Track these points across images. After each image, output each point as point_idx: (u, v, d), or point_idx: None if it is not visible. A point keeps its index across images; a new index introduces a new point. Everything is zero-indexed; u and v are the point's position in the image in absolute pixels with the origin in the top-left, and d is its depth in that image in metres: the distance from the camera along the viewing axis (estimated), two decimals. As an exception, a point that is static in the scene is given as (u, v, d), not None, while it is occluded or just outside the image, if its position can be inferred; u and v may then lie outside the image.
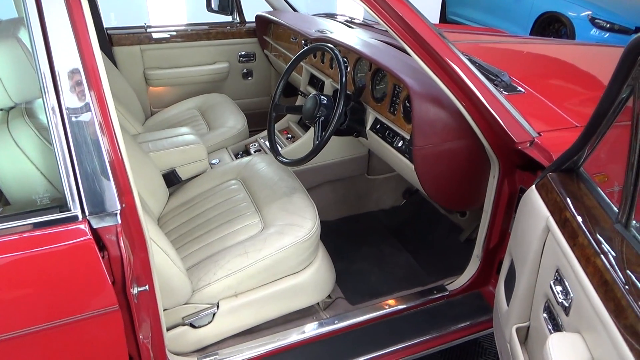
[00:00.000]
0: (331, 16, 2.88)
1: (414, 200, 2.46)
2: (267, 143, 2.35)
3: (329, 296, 1.78)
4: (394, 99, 1.70)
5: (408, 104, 1.62)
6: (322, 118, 1.72)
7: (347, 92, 1.82)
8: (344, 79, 1.62)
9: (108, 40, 2.61)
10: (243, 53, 2.96)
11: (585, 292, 0.92)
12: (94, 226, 1.02)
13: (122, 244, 1.05)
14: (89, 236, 1.00)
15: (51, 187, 1.10)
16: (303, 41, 2.42)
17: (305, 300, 1.64)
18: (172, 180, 1.97)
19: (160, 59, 2.77)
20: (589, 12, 5.73)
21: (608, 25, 5.63)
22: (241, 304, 1.52)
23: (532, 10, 6.32)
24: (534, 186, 1.28)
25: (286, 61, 2.68)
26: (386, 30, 2.32)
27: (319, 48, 1.77)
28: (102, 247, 1.04)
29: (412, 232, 2.29)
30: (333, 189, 2.33)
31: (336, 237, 2.19)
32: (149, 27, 2.77)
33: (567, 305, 1.00)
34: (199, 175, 2.04)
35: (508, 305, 1.32)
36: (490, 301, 1.78)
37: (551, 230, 1.11)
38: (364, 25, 2.55)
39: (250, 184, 1.86)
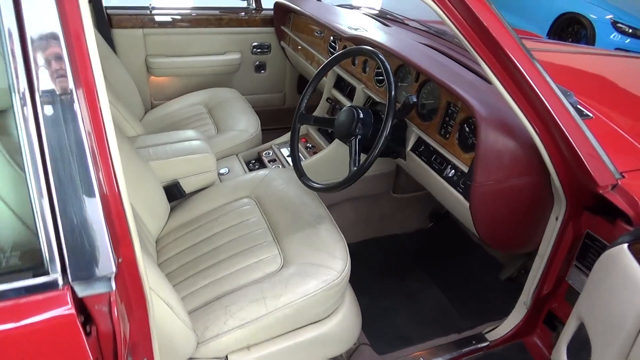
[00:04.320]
0: (355, 8, 2.59)
1: (442, 223, 2.21)
2: (282, 151, 2.08)
3: (353, 342, 1.53)
4: (447, 119, 1.43)
5: (467, 129, 1.35)
6: (359, 137, 1.44)
7: None
8: (393, 92, 1.34)
9: (107, 21, 2.30)
10: (257, 44, 2.67)
11: None
12: (79, 294, 0.76)
13: (115, 316, 0.79)
14: (71, 309, 0.74)
15: (29, 233, 0.83)
16: (331, 37, 2.13)
17: (328, 351, 1.39)
18: (174, 193, 1.69)
19: (164, 46, 2.48)
20: (612, 16, 5.56)
21: (630, 30, 5.52)
22: (254, 358, 1.27)
23: (552, 10, 6.13)
24: (626, 246, 1.04)
25: (306, 56, 2.40)
26: (426, 30, 1.97)
27: (362, 53, 1.48)
28: (88, 318, 0.78)
29: (441, 263, 2.04)
30: (354, 208, 2.07)
31: (357, 264, 1.93)
32: (154, 8, 2.46)
33: None
34: (205, 188, 1.76)
35: None
36: (533, 354, 1.57)
37: (658, 312, 0.88)
38: (399, 22, 2.26)
39: (267, 205, 1.59)
